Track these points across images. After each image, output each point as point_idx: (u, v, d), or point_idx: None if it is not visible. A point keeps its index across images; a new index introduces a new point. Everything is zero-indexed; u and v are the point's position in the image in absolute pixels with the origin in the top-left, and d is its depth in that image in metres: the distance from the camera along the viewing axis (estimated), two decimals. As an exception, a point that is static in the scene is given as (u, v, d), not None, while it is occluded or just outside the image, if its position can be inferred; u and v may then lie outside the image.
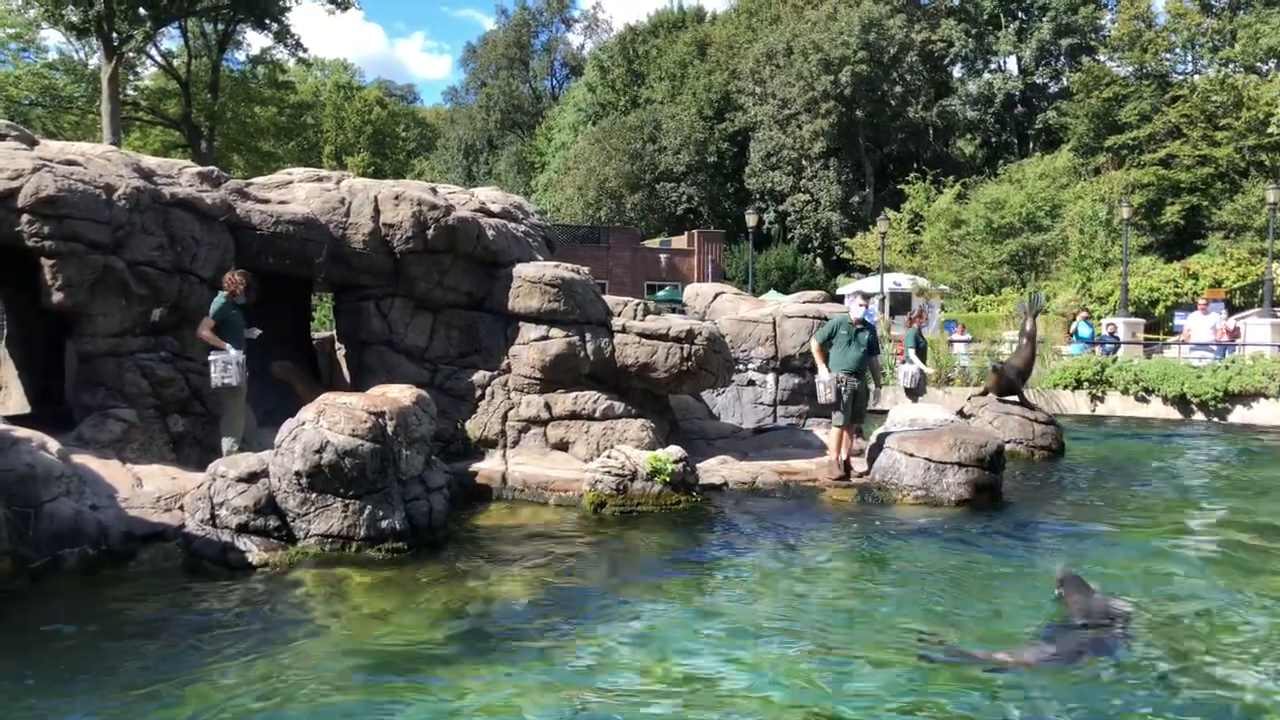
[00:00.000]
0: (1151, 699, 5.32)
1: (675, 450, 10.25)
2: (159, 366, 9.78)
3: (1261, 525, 9.83)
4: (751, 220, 37.15)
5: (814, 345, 11.39)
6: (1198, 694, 5.42)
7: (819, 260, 50.50)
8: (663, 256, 46.64)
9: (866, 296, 11.71)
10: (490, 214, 12.45)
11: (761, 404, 14.93)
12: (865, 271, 42.08)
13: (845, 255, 45.71)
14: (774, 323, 14.84)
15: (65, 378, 11.06)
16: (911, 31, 51.15)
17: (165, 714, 5.12)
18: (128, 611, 6.81)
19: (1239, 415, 18.44)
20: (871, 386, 11.52)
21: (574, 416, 11.26)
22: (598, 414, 11.23)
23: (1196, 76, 47.38)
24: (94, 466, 8.65)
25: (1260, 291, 26.41)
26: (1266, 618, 6.71)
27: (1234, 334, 23.20)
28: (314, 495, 7.93)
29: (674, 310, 18.09)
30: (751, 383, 14.94)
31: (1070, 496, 11.44)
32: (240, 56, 48.46)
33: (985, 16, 53.45)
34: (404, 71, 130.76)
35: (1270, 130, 39.75)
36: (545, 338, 11.23)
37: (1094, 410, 20.07)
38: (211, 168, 11.49)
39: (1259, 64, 43.75)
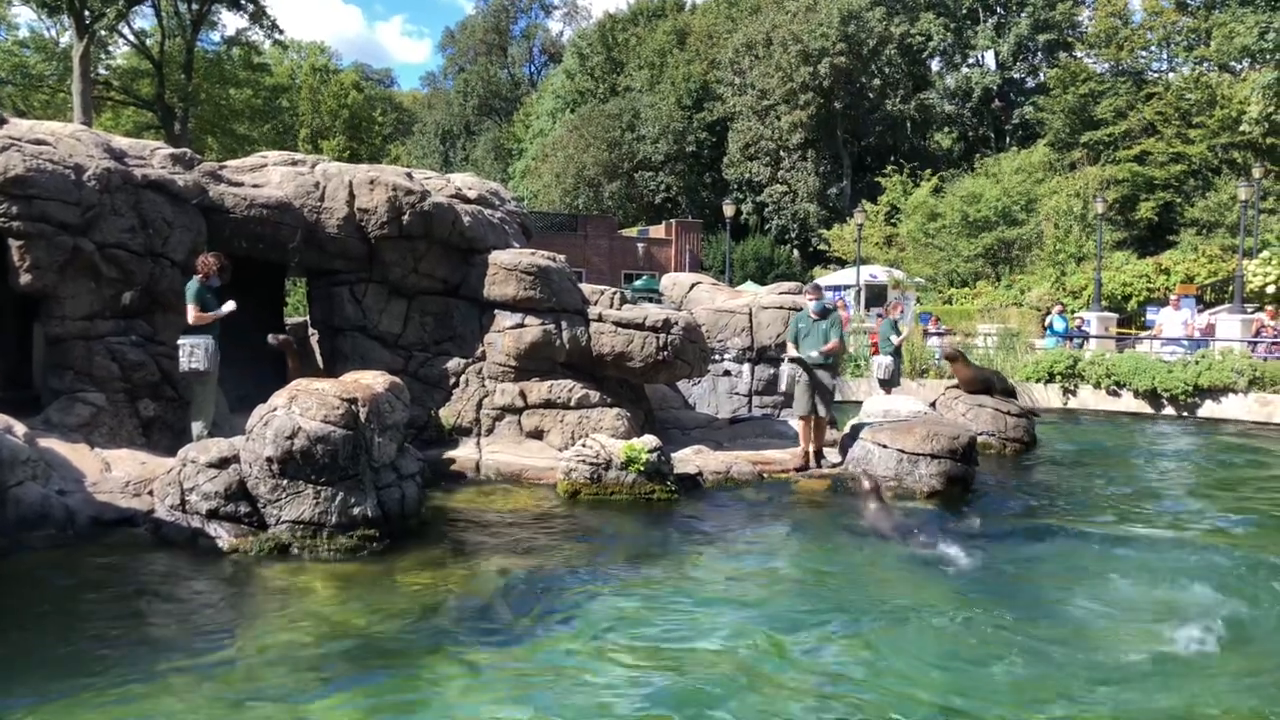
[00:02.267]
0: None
1: (650, 440, 10.23)
2: (129, 350, 9.67)
3: (1219, 520, 9.98)
4: (729, 210, 37.19)
5: (790, 349, 11.37)
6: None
7: (796, 251, 50.62)
8: (640, 245, 46.59)
9: (819, 290, 11.80)
10: (466, 200, 12.37)
11: (737, 394, 14.95)
12: (842, 263, 42.17)
13: (822, 247, 45.81)
14: (750, 313, 14.84)
15: (34, 361, 10.91)
16: (890, 24, 51.29)
17: (125, 702, 5.07)
18: (93, 598, 6.73)
19: (1208, 410, 18.62)
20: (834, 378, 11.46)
21: (549, 405, 11.23)
22: (573, 403, 11.20)
23: (1171, 74, 47.81)
24: (61, 451, 8.56)
25: (1230, 288, 26.69)
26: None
27: (1208, 330, 23.42)
28: (285, 481, 7.86)
29: (651, 300, 18.11)
30: (727, 373, 14.95)
31: (1039, 489, 11.52)
32: (215, 37, 48.00)
33: (964, 11, 53.68)
34: (383, 55, 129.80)
35: (1242, 129, 40.15)
36: (521, 325, 11.18)
37: (1066, 404, 20.22)
38: (184, 150, 11.35)
39: (1233, 63, 44.14)
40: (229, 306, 9.49)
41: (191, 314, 9.22)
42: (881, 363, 15.30)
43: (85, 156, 9.71)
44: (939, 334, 24.52)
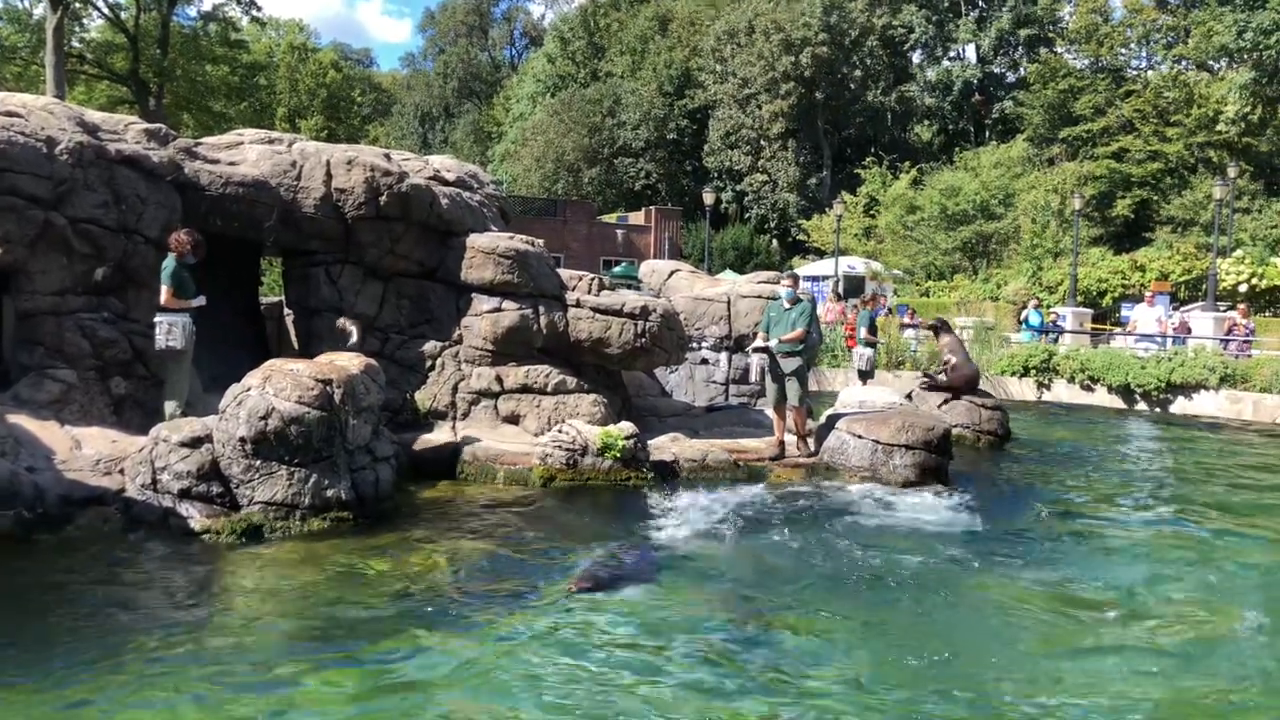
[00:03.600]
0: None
1: (626, 426, 10.22)
2: (101, 327, 9.54)
3: (1188, 512, 10.10)
4: (709, 199, 37.17)
5: (759, 338, 11.33)
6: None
7: (775, 241, 50.69)
8: (619, 232, 46.51)
9: (796, 278, 11.80)
10: (445, 182, 12.28)
11: (714, 383, 14.95)
12: (820, 254, 42.29)
13: (801, 237, 45.90)
14: (728, 302, 14.84)
15: (3, 336, 10.75)
16: (873, 15, 51.38)
17: (91, 683, 5.02)
18: (62, 577, 6.66)
19: (1180, 406, 18.82)
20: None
21: (525, 390, 11.18)
22: (549, 388, 11.16)
23: (1150, 72, 48.15)
24: (30, 428, 8.44)
25: (1204, 286, 26.95)
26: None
27: (1181, 328, 23.64)
28: (258, 462, 7.80)
29: (629, 286, 18.07)
30: (705, 361, 14.94)
31: (1011, 481, 11.59)
32: (191, 12, 47.32)
33: (946, 4, 53.83)
34: (363, 34, 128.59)
35: (1219, 128, 40.53)
36: (498, 309, 11.12)
37: (1040, 397, 20.37)
38: (159, 125, 11.18)
39: (1211, 61, 44.52)
40: (199, 301, 9.31)
41: (164, 295, 9.08)
42: (863, 354, 15.35)
43: (58, 130, 9.55)
44: (915, 326, 24.62)
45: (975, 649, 5.91)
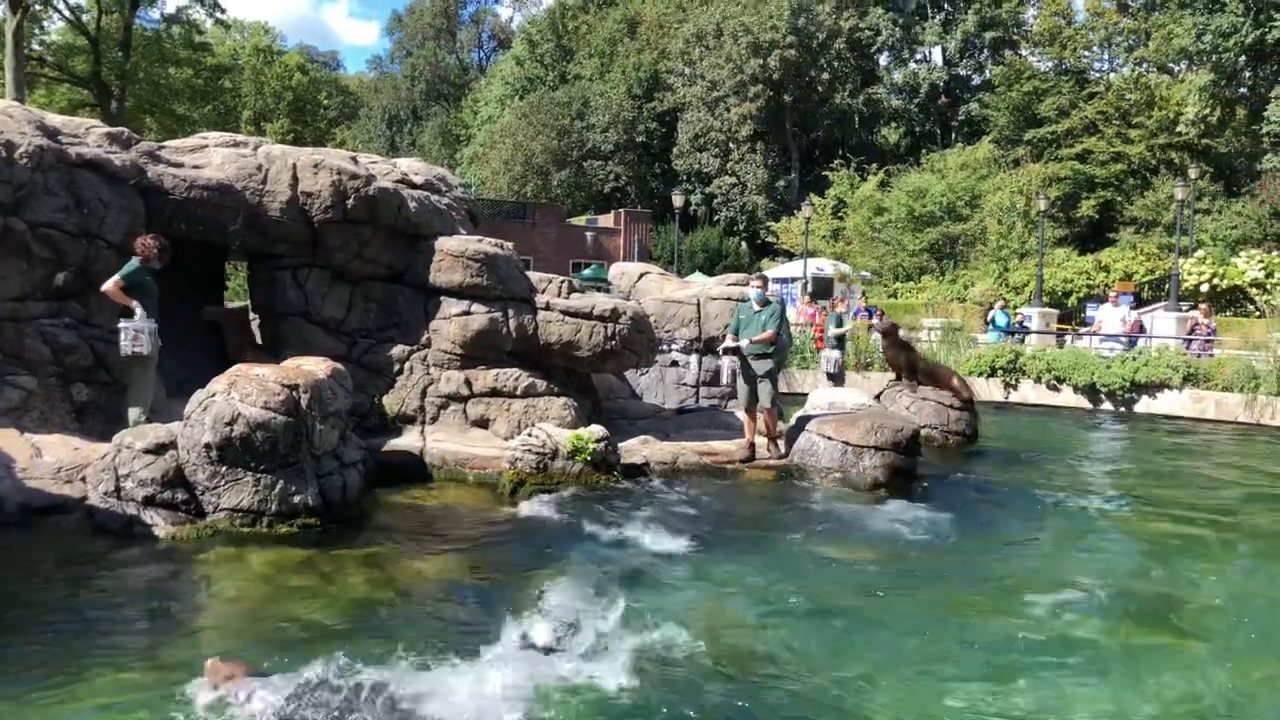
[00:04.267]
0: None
1: (597, 429, 10.19)
2: (62, 333, 9.41)
3: (1151, 511, 10.22)
4: (678, 201, 37.23)
5: (728, 339, 11.31)
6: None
7: (744, 243, 50.83)
8: (589, 235, 46.50)
9: (765, 280, 11.84)
10: (413, 185, 12.21)
11: (684, 385, 14.95)
12: (789, 256, 42.47)
13: (770, 239, 46.07)
14: (698, 304, 14.85)
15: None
16: (840, 18, 51.68)
17: (50, 693, 4.93)
18: (21, 587, 6.53)
19: (1144, 405, 19.03)
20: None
21: (495, 394, 11.13)
22: (519, 391, 11.11)
23: (1112, 74, 48.81)
24: (-11, 436, 8.30)
25: (1167, 286, 27.32)
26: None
27: (1135, 327, 23.95)
28: (224, 468, 7.71)
29: (599, 289, 18.05)
30: (675, 363, 14.95)
31: (979, 482, 11.66)
32: (154, 14, 46.87)
33: (912, 7, 54.28)
34: (330, 37, 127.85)
35: (1179, 129, 41.11)
36: (467, 313, 11.07)
37: (1007, 398, 20.53)
38: (121, 129, 11.04)
39: (1171, 64, 45.16)
40: (139, 309, 9.06)
41: (111, 284, 8.89)
42: (830, 356, 15.40)
43: (17, 133, 9.41)
44: (872, 328, 24.74)
45: (947, 658, 5.94)
